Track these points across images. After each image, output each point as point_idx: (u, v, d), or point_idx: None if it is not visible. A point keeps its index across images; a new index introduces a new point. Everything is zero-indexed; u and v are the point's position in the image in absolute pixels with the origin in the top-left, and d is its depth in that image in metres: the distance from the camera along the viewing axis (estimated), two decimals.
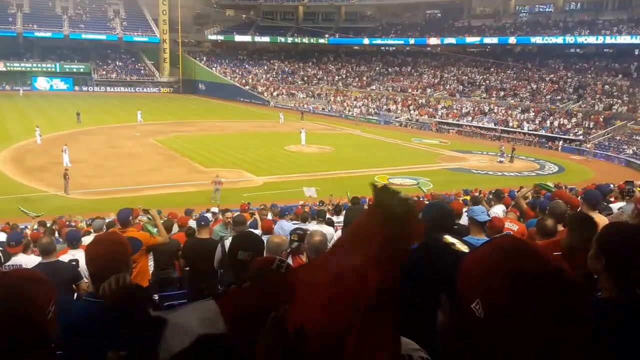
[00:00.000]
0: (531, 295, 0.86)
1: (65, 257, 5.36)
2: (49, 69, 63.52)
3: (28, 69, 62.94)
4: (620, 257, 1.71)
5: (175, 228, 8.76)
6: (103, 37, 68.89)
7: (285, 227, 7.16)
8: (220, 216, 9.74)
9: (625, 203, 6.57)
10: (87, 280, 4.49)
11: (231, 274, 2.79)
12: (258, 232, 5.89)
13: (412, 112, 50.29)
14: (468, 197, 12.92)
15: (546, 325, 0.85)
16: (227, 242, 4.61)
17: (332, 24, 72.23)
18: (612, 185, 10.46)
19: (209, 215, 10.88)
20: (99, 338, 1.97)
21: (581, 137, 37.77)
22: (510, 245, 0.95)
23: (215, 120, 45.12)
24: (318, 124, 44.94)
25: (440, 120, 47.07)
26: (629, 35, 44.95)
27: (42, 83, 62.05)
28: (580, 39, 48.58)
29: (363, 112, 52.54)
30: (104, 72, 67.12)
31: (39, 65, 63.45)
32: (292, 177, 24.65)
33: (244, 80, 66.31)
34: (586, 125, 39.10)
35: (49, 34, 65.11)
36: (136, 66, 71.02)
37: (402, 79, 58.85)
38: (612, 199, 7.89)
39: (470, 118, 45.71)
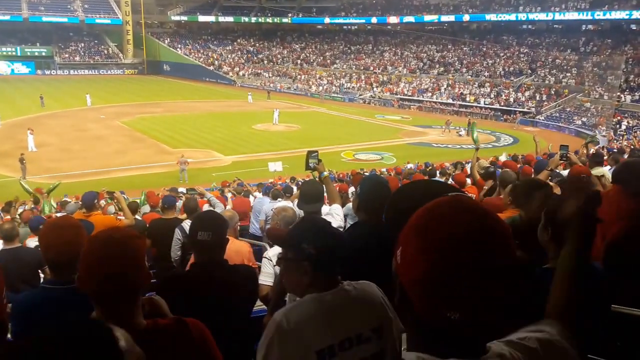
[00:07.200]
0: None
1: (31, 243, 5.27)
2: (9, 53, 61.77)
3: None
4: (562, 227, 1.69)
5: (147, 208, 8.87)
6: (64, 19, 67.02)
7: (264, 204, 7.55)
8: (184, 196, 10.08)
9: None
10: None
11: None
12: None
13: (375, 89, 51.49)
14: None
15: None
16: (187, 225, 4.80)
17: (294, 3, 71.94)
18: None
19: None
20: (48, 323, 1.96)
21: (534, 109, 39.87)
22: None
23: (182, 101, 44.92)
24: (285, 103, 45.46)
25: (401, 97, 48.47)
26: (576, 11, 47.06)
27: (2, 67, 60.20)
28: (532, 16, 50.61)
29: (328, 90, 53.44)
30: (67, 55, 65.62)
31: None
32: (261, 156, 24.67)
33: (209, 61, 66.03)
34: (538, 98, 41.22)
35: (7, 17, 62.69)
36: (99, 48, 69.67)
37: (364, 57, 59.87)
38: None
39: (429, 94, 47.29)
